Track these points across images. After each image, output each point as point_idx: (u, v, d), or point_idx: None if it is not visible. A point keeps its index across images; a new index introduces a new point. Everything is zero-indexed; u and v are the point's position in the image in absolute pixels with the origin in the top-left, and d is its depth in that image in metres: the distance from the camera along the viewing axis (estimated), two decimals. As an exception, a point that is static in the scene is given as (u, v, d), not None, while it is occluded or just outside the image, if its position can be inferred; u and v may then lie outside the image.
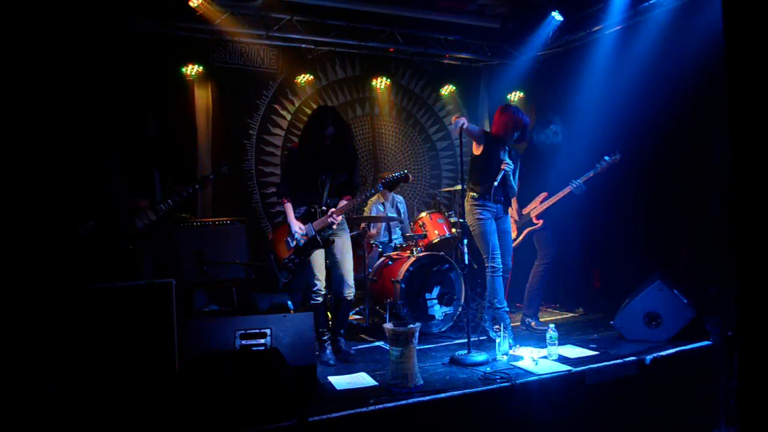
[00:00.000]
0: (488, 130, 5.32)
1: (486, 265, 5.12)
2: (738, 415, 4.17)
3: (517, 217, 5.83)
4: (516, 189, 5.27)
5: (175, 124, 6.80)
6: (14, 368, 3.19)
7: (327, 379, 4.17)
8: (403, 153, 8.44)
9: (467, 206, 5.16)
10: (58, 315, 3.32)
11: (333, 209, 4.62)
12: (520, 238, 5.81)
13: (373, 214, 6.86)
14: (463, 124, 4.72)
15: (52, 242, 4.57)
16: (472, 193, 5.14)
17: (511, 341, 4.64)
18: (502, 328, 4.72)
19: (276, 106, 7.65)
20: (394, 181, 4.65)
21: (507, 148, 5.18)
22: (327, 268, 4.81)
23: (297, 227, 4.66)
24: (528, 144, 5.92)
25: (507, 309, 5.08)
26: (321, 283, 4.70)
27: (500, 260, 5.10)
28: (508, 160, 5.04)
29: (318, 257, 4.72)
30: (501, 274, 5.10)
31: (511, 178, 5.13)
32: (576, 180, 5.54)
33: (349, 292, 4.75)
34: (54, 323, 3.30)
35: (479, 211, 5.09)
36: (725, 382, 4.36)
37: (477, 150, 5.18)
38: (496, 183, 4.95)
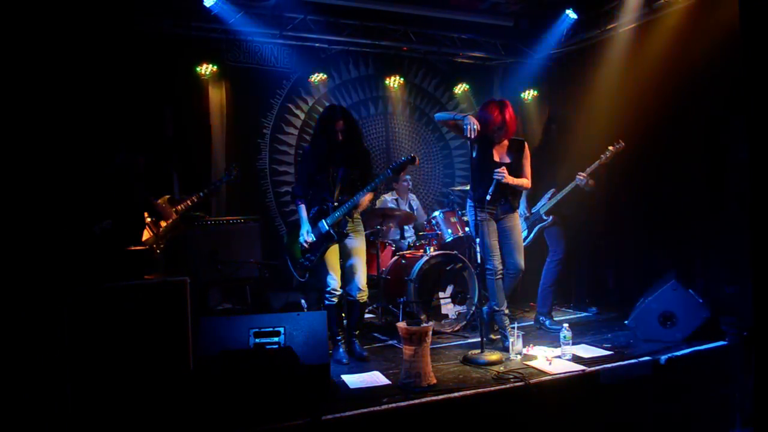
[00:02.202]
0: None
1: (484, 267, 4.95)
2: (754, 416, 4.14)
3: (528, 213, 5.79)
4: (526, 182, 5.01)
5: (191, 124, 6.83)
6: (31, 365, 3.23)
7: (340, 378, 4.18)
8: (417, 151, 8.42)
9: (468, 210, 5.09)
10: (74, 313, 3.36)
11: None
12: (532, 236, 5.79)
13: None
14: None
15: (69, 241, 4.61)
16: (471, 199, 5.01)
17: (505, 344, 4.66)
18: (515, 328, 4.71)
19: (290, 105, 7.68)
20: (401, 165, 4.64)
21: (506, 143, 4.94)
22: (341, 268, 4.81)
23: (306, 230, 4.69)
24: (539, 141, 5.91)
25: (506, 312, 4.97)
26: (335, 282, 4.69)
27: (497, 262, 4.92)
28: (503, 163, 4.84)
29: (332, 257, 4.72)
30: (499, 275, 4.93)
31: (511, 179, 4.86)
32: (582, 173, 5.48)
33: (361, 295, 4.72)
34: (70, 321, 3.33)
35: (476, 212, 4.87)
36: (741, 382, 4.33)
37: (473, 151, 4.93)
38: (488, 197, 4.76)
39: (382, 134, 8.28)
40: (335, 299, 4.71)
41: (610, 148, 5.46)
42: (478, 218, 4.83)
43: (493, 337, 5.15)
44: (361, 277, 4.72)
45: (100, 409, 3.34)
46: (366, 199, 4.70)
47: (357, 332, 4.90)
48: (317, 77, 7.60)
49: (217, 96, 7.13)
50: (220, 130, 7.14)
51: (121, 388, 3.40)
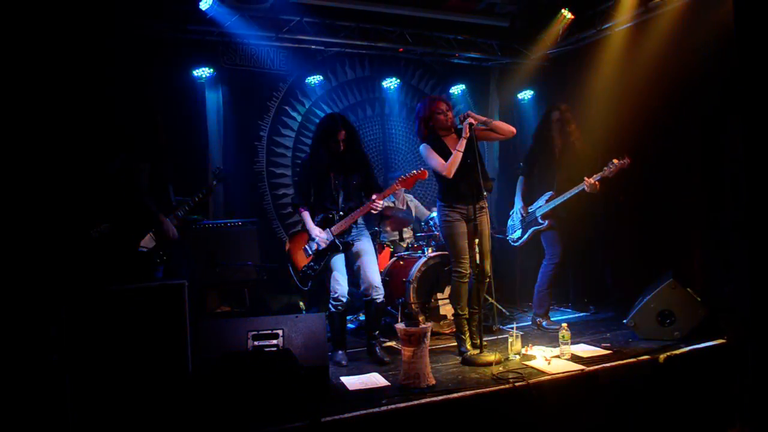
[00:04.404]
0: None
1: (452, 268, 4.79)
2: (752, 414, 4.15)
3: (525, 213, 5.77)
4: (489, 175, 4.91)
5: (187, 128, 6.82)
6: (30, 369, 3.22)
7: (339, 380, 4.18)
8: (414, 153, 8.42)
9: (438, 210, 4.90)
10: (73, 316, 3.35)
11: (375, 195, 4.58)
12: (526, 237, 5.78)
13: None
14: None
15: (67, 244, 4.61)
16: (440, 198, 4.85)
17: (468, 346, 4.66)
18: (514, 328, 4.72)
19: (286, 108, 7.66)
20: (411, 178, 4.65)
21: (454, 135, 4.79)
22: (349, 274, 4.79)
23: (317, 232, 4.66)
24: (536, 137, 5.90)
25: (467, 318, 4.82)
26: (342, 289, 4.65)
27: (468, 265, 4.72)
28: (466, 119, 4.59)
29: (339, 263, 4.70)
30: (467, 280, 4.74)
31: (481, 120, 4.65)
32: (589, 178, 5.41)
33: (378, 295, 4.70)
34: (68, 324, 3.32)
35: (447, 212, 4.73)
36: (740, 380, 4.33)
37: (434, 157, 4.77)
38: (460, 126, 4.55)
39: (379, 136, 8.27)
40: (342, 307, 4.67)
41: (615, 161, 5.34)
42: (449, 218, 4.72)
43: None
44: (375, 276, 4.70)
45: (99, 412, 3.33)
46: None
47: (378, 333, 4.83)
48: (314, 79, 7.60)
49: (213, 99, 7.12)
50: (216, 133, 7.13)
51: (120, 391, 3.40)
